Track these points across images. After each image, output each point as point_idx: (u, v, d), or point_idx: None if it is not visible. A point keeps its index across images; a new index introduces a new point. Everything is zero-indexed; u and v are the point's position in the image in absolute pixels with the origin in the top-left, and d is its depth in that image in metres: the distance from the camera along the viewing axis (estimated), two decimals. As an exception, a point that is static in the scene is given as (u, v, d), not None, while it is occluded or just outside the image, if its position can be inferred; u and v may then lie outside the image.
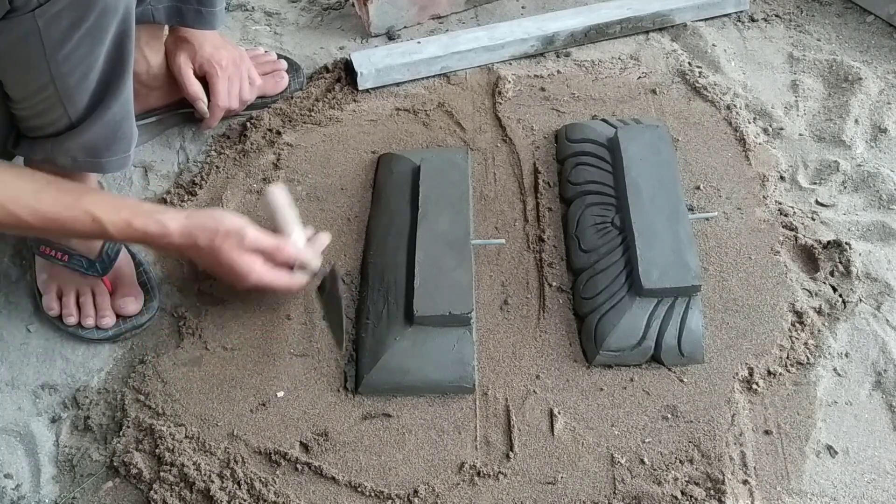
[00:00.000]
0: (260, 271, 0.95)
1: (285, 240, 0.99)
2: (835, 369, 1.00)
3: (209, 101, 1.22)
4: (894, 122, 1.26)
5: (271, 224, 1.01)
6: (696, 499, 0.89)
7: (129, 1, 0.83)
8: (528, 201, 1.17)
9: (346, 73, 1.35)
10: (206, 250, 0.93)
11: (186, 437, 0.95)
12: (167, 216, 0.92)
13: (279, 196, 1.03)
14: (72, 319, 1.04)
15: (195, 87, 1.21)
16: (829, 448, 0.94)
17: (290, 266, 0.99)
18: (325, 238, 1.04)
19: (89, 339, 1.04)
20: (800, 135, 1.26)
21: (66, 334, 1.05)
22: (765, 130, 1.27)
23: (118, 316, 1.05)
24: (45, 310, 1.05)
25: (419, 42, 1.36)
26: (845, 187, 1.19)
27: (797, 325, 1.03)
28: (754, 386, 0.98)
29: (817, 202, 1.18)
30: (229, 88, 1.22)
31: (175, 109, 1.27)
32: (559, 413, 0.96)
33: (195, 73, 1.21)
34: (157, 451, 0.93)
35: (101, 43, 0.83)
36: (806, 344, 1.01)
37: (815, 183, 1.20)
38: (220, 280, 1.01)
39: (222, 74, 1.21)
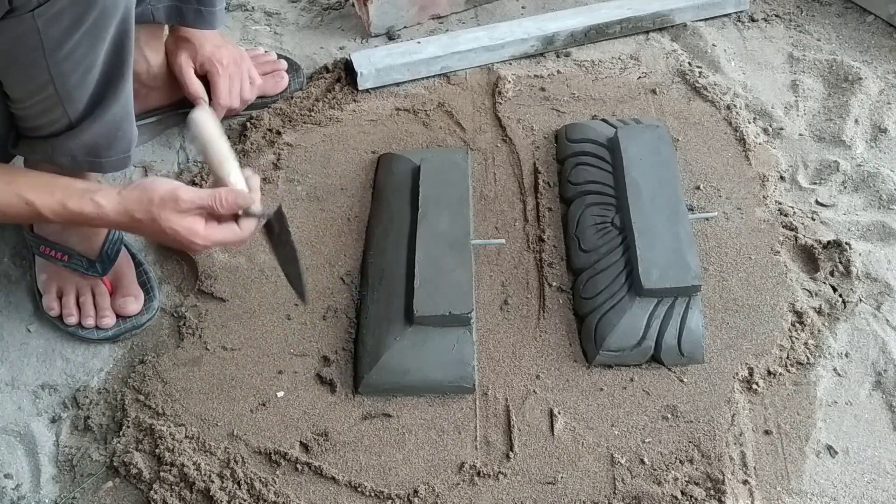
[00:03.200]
0: (205, 233, 0.89)
1: (222, 185, 0.89)
2: (835, 369, 1.00)
3: (210, 100, 1.22)
4: (894, 122, 1.26)
5: (204, 159, 0.92)
6: (696, 499, 0.89)
7: (128, 1, 0.84)
8: (528, 201, 1.17)
9: (346, 73, 1.34)
10: (145, 223, 0.88)
11: (186, 437, 0.95)
12: (100, 195, 0.87)
13: (206, 124, 0.89)
14: (72, 319, 1.04)
15: (196, 87, 1.21)
16: (829, 448, 0.94)
17: (234, 216, 0.91)
18: (256, 178, 0.93)
19: (89, 340, 1.04)
20: (800, 135, 1.26)
21: (66, 334, 1.05)
22: (765, 130, 1.27)
23: (118, 316, 1.05)
24: (46, 310, 1.05)
25: (419, 42, 1.36)
26: (845, 187, 1.19)
27: (797, 325, 1.03)
28: (754, 386, 0.98)
29: (817, 202, 1.18)
30: (230, 87, 1.22)
31: (175, 109, 1.27)
32: (559, 413, 0.96)
33: (196, 73, 1.21)
34: (157, 451, 0.93)
35: (100, 43, 0.83)
36: (806, 344, 1.01)
37: (815, 183, 1.20)
38: (173, 248, 0.94)
39: (223, 73, 1.21)
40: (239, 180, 0.90)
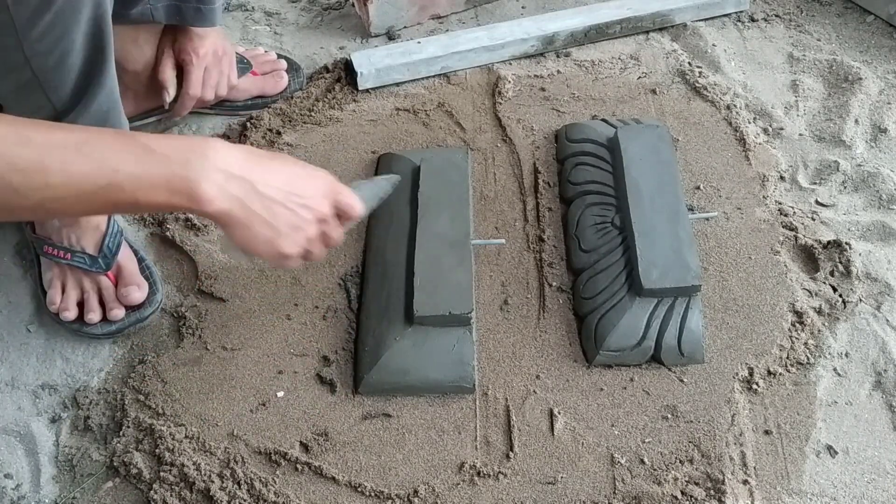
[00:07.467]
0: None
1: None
2: (835, 369, 1.00)
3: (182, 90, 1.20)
4: (894, 122, 1.26)
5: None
6: (696, 499, 0.89)
7: None
8: (528, 201, 1.17)
9: (346, 73, 1.35)
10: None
11: (186, 437, 0.95)
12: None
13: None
14: (76, 315, 1.04)
15: (166, 74, 1.19)
16: (829, 448, 0.94)
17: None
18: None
19: (92, 335, 1.04)
20: (800, 135, 1.26)
21: (66, 334, 1.05)
22: (765, 130, 1.27)
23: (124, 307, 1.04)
24: (49, 305, 1.05)
25: (419, 42, 1.36)
26: (845, 187, 1.19)
27: (797, 325, 1.03)
28: (754, 386, 0.98)
29: (817, 202, 1.18)
30: (205, 78, 1.20)
31: (175, 109, 1.27)
32: (559, 413, 0.96)
33: (176, 61, 1.19)
34: (157, 451, 0.93)
35: (75, 24, 0.83)
36: (806, 344, 1.01)
37: (815, 183, 1.20)
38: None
39: (198, 64, 1.18)
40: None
